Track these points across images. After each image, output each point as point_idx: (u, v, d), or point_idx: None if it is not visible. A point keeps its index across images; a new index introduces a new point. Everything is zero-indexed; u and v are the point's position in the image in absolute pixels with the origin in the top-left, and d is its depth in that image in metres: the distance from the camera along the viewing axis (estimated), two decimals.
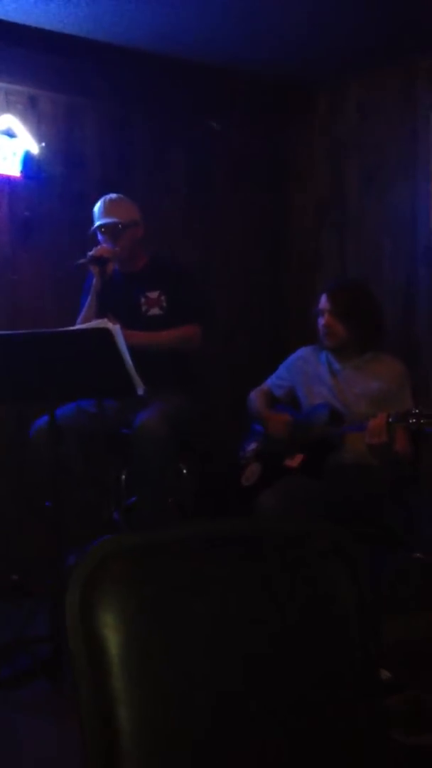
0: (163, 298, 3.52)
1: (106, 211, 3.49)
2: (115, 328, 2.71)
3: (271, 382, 3.54)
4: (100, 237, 3.49)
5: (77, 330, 2.96)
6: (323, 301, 3.30)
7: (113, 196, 3.56)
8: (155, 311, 3.51)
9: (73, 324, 3.42)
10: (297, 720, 1.11)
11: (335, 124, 4.67)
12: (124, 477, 3.38)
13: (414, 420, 2.94)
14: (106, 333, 2.71)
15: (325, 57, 4.24)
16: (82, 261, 3.37)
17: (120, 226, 3.46)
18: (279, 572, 1.15)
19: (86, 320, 3.38)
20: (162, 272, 3.57)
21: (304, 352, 3.49)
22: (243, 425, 3.56)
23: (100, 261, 3.33)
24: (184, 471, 3.48)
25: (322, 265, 4.75)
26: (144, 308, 3.51)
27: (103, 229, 3.48)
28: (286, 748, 1.10)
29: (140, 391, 2.84)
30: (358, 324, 3.27)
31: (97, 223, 3.50)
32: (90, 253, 3.34)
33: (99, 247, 3.40)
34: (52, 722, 2.56)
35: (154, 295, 3.52)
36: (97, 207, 3.53)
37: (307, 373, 3.40)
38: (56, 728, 2.50)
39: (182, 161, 4.45)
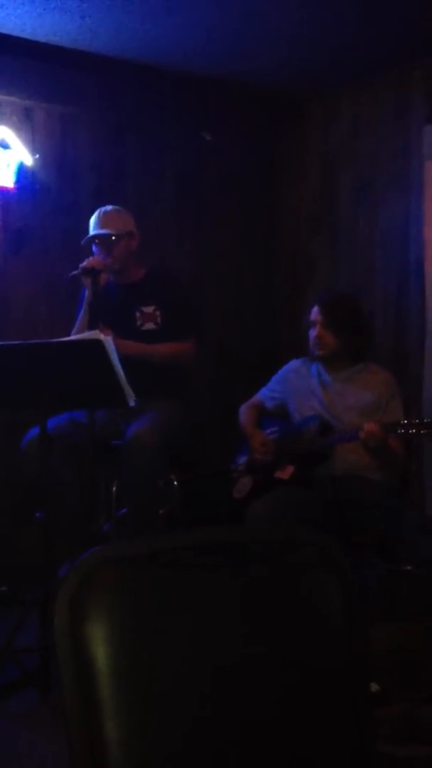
0: (158, 313, 3.52)
1: (101, 222, 3.50)
2: (107, 340, 2.72)
3: (262, 394, 3.56)
4: (94, 248, 3.50)
5: (69, 341, 2.96)
6: (315, 313, 3.32)
7: (109, 207, 3.56)
8: (150, 326, 3.51)
9: (66, 335, 3.42)
10: (285, 730, 1.11)
11: (327, 136, 4.69)
12: (115, 488, 3.37)
13: (403, 430, 2.98)
14: (98, 344, 2.71)
15: (318, 68, 4.27)
16: (74, 273, 3.37)
17: (113, 237, 3.46)
18: (266, 582, 1.16)
19: (79, 332, 3.38)
20: (158, 286, 3.57)
21: (295, 364, 3.50)
22: (234, 437, 3.56)
23: (92, 272, 3.33)
24: (175, 482, 3.47)
25: (313, 275, 4.77)
26: (139, 322, 3.51)
27: (96, 240, 3.48)
28: (274, 758, 1.10)
29: (132, 402, 2.84)
30: (349, 336, 3.30)
31: (89, 234, 3.50)
32: (82, 264, 3.34)
33: (91, 258, 3.40)
34: (40, 733, 2.54)
35: (149, 309, 3.52)
36: (93, 218, 3.53)
37: (298, 385, 3.42)
38: (44, 739, 2.49)
39: (174, 172, 4.47)
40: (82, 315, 3.45)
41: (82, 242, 3.54)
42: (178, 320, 3.52)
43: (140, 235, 3.59)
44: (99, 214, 3.53)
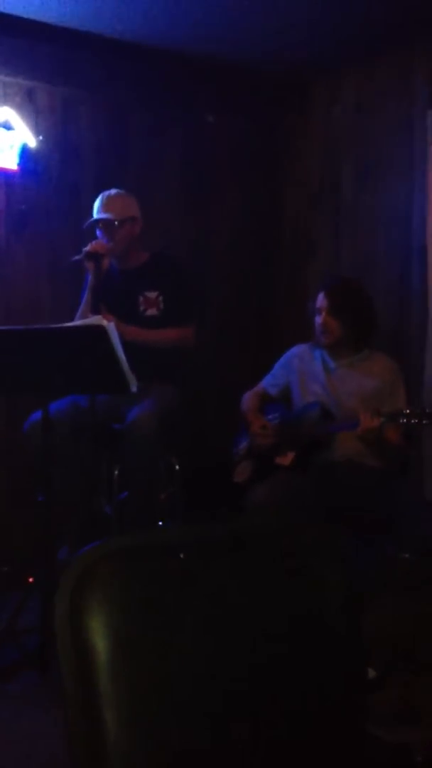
0: (161, 299, 3.52)
1: (104, 206, 3.50)
2: (110, 326, 2.72)
3: (266, 382, 3.56)
4: (98, 232, 3.50)
5: (72, 327, 2.97)
6: (321, 300, 3.32)
7: (113, 191, 3.56)
8: (152, 312, 3.52)
9: (69, 318, 3.44)
10: (284, 716, 1.13)
11: (330, 118, 4.66)
12: (116, 472, 3.39)
13: (405, 420, 2.98)
14: (100, 330, 2.72)
15: (322, 48, 4.23)
16: (76, 258, 3.39)
17: (116, 222, 3.47)
18: (266, 571, 1.17)
19: (83, 317, 3.40)
20: (162, 272, 3.57)
21: (299, 349, 3.51)
22: (234, 421, 3.58)
23: (95, 257, 3.35)
24: (176, 466, 3.50)
25: (314, 259, 4.75)
26: (142, 308, 3.52)
27: (100, 225, 3.49)
28: (272, 745, 1.12)
29: (133, 388, 2.85)
30: (354, 323, 3.30)
31: (92, 219, 3.51)
32: (85, 249, 3.35)
33: (93, 242, 3.41)
34: (39, 713, 2.57)
35: (152, 295, 3.53)
36: (97, 201, 3.53)
37: (302, 370, 3.43)
38: (44, 719, 2.52)
39: (177, 153, 4.45)
40: (85, 300, 3.45)
41: (84, 226, 3.54)
42: (179, 306, 3.53)
43: (142, 220, 3.59)
44: (102, 198, 3.53)
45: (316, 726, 1.16)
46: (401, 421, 2.98)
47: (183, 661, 1.08)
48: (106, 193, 3.55)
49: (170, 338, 3.49)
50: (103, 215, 3.48)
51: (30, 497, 3.22)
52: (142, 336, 3.35)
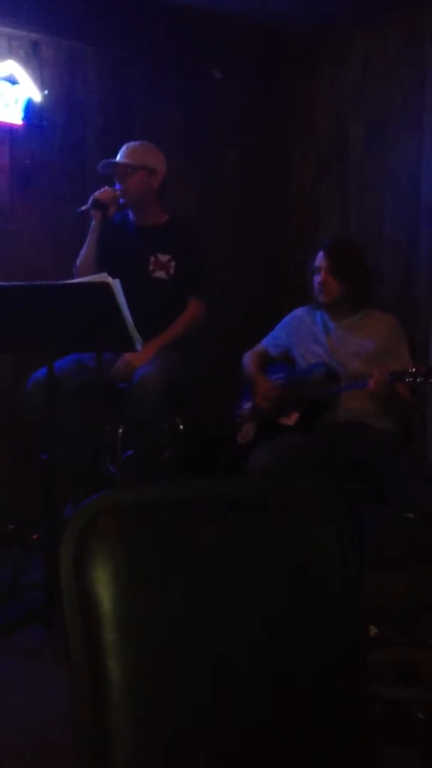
0: (172, 264, 3.49)
1: (122, 152, 3.49)
2: (115, 283, 2.70)
3: (267, 342, 3.55)
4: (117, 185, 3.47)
5: (76, 283, 2.95)
6: (320, 259, 3.32)
7: (138, 142, 3.54)
8: (161, 274, 3.49)
9: (72, 274, 3.42)
10: (284, 674, 1.14)
11: (339, 77, 4.60)
12: (120, 431, 3.39)
13: (411, 379, 2.98)
14: (105, 287, 2.70)
15: (330, 7, 4.17)
16: (82, 208, 3.38)
17: (129, 169, 3.43)
18: (266, 532, 1.17)
19: (84, 259, 3.37)
20: (178, 237, 3.53)
21: (299, 312, 3.50)
22: (238, 383, 3.57)
23: (102, 206, 3.34)
24: (180, 426, 3.49)
25: (321, 222, 4.71)
26: (151, 268, 3.49)
27: (117, 173, 3.46)
28: (273, 702, 1.13)
29: (138, 346, 2.85)
30: (353, 282, 3.30)
31: (105, 161, 3.48)
32: (93, 195, 3.33)
33: (102, 189, 3.38)
34: (45, 668, 2.60)
35: (164, 258, 3.49)
36: None
37: (303, 332, 3.42)
38: (49, 674, 2.54)
39: (182, 110, 4.39)
40: (88, 242, 3.42)
41: (99, 168, 3.50)
42: (191, 277, 3.50)
43: (164, 174, 3.52)
44: (126, 145, 3.51)
45: (316, 685, 1.16)
46: (407, 380, 2.97)
47: (185, 613, 1.09)
48: (132, 142, 3.53)
49: (187, 325, 3.47)
50: (118, 159, 3.46)
51: (34, 455, 3.23)
52: (167, 339, 3.36)
